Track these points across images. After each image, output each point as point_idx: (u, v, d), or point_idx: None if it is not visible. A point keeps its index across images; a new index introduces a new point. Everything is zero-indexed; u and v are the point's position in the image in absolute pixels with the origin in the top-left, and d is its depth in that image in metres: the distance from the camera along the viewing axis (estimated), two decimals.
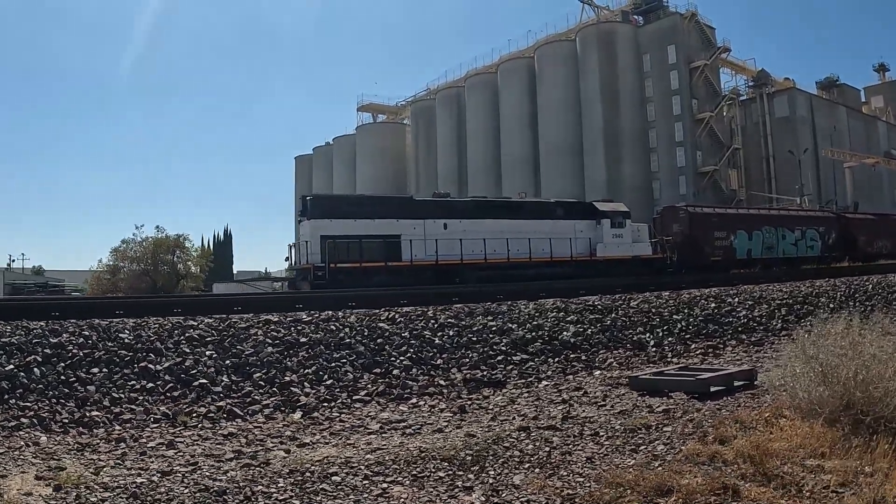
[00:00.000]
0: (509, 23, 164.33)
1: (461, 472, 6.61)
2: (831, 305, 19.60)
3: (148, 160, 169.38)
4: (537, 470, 6.54)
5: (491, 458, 6.95)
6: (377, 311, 12.79)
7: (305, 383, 10.23)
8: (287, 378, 10.31)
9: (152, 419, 9.20)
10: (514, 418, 8.59)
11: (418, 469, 6.75)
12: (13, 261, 75.29)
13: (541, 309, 14.18)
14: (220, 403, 9.62)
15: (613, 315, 14.74)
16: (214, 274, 63.11)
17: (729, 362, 12.18)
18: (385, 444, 7.74)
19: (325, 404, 9.64)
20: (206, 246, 78.22)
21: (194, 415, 9.34)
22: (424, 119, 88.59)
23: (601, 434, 7.62)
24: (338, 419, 9.06)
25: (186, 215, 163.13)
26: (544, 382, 10.67)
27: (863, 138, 79.33)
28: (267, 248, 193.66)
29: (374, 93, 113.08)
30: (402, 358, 10.98)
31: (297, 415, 9.24)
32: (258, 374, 10.33)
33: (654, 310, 15.87)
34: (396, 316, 12.50)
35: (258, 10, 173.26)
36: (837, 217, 48.06)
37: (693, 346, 14.02)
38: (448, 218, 29.48)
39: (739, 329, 15.77)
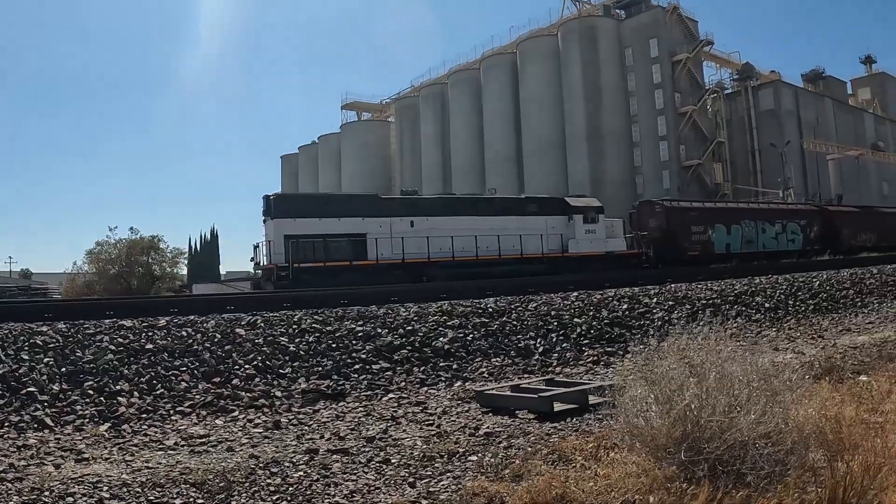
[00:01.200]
0: (494, 19, 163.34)
1: (202, 501, 5.80)
2: (767, 305, 18.45)
3: (134, 160, 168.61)
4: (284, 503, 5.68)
5: (247, 484, 6.14)
6: (241, 315, 11.93)
7: (136, 393, 9.49)
8: (118, 387, 9.62)
9: None
10: (322, 437, 7.78)
11: (159, 494, 6.04)
12: None
13: (422, 312, 13.27)
14: (37, 413, 8.96)
15: (504, 319, 13.73)
16: (204, 272, 62.20)
17: (619, 373, 11.18)
18: (161, 463, 7.08)
19: (144, 416, 8.89)
20: (193, 246, 77.36)
21: (7, 424, 8.73)
22: (409, 117, 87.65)
23: (393, 461, 6.79)
24: (143, 432, 8.38)
25: (173, 215, 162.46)
26: (391, 395, 9.82)
27: (850, 131, 78.08)
28: None
29: (358, 91, 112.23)
30: (247, 367, 10.13)
31: (104, 427, 8.52)
32: (90, 383, 9.67)
33: (553, 312, 14.76)
34: (259, 321, 11.65)
35: (244, 10, 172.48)
36: (820, 210, 47.32)
37: (587, 354, 12.91)
38: (415, 216, 29.10)
39: (651, 334, 14.44)
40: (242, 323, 11.46)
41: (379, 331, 12.12)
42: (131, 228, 37.63)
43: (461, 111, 79.56)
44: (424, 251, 27.80)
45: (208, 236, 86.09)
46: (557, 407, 8.38)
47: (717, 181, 69.94)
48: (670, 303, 16.90)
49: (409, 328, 12.43)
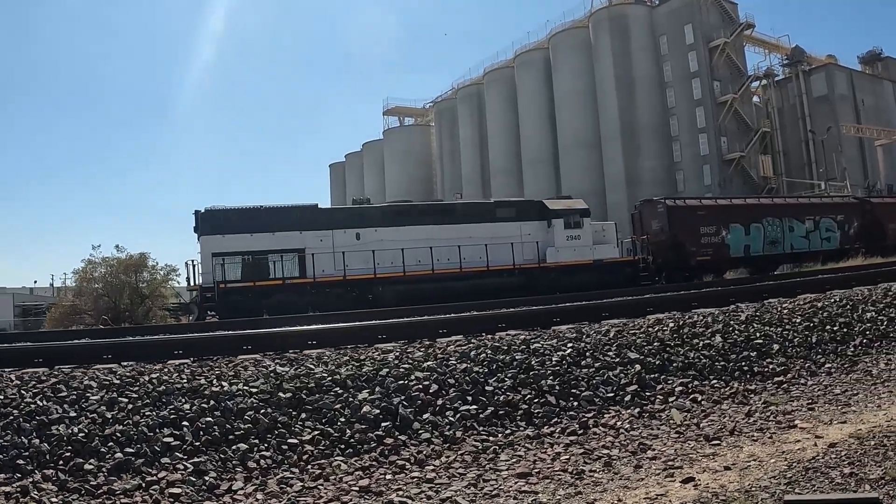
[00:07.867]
0: (533, 13, 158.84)
1: None
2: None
3: (184, 171, 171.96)
4: None
5: None
6: None
7: None
8: None
9: None
10: None
11: None
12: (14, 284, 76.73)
13: None
14: None
15: None
16: None
17: None
18: None
19: None
20: None
21: None
22: (448, 119, 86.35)
23: None
24: None
25: None
26: None
27: None
28: None
29: (402, 95, 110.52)
30: None
31: None
32: None
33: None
34: None
35: (293, 25, 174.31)
36: (861, 203, 42.67)
37: None
38: (361, 227, 27.22)
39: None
40: None
41: None
42: (117, 246, 37.14)
43: (497, 112, 77.60)
44: (370, 266, 25.82)
45: None
46: None
47: (765, 174, 64.91)
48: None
49: None
